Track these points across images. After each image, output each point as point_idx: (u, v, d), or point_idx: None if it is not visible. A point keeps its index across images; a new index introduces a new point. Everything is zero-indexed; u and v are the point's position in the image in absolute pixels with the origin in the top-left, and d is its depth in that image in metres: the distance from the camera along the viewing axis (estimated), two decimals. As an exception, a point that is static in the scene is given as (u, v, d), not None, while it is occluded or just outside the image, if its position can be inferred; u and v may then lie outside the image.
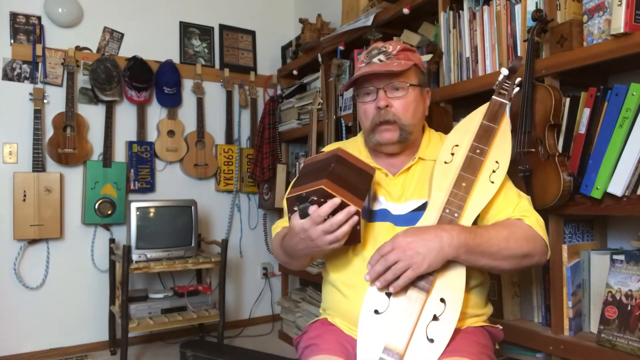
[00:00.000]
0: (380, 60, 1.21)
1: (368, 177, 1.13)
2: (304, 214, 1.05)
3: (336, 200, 1.02)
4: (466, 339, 1.10)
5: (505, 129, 1.20)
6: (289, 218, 1.11)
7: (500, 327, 1.25)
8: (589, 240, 1.62)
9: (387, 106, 1.19)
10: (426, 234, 1.03)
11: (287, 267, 1.29)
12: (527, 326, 1.61)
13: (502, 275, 1.66)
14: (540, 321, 1.63)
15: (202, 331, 3.03)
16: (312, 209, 1.04)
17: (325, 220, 1.03)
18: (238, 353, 2.39)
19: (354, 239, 1.10)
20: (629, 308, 1.36)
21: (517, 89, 1.25)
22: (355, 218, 1.04)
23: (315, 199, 1.03)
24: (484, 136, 1.17)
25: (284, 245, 1.20)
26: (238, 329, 3.19)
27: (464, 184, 1.12)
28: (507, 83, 1.25)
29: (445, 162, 1.17)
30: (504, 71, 1.27)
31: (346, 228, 1.04)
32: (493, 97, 1.23)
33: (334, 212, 1.03)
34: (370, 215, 1.21)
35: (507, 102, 1.22)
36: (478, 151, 1.16)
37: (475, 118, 1.22)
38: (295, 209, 1.07)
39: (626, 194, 1.33)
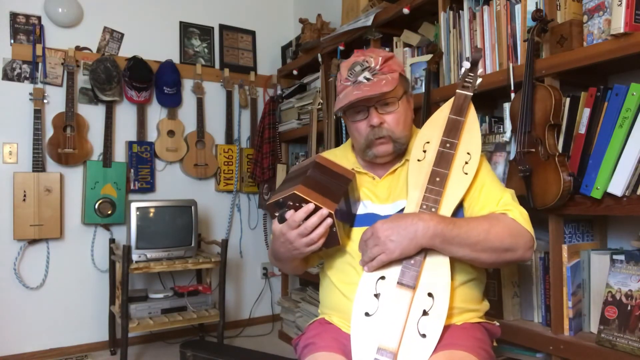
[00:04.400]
0: (367, 79, 1.20)
1: (345, 181, 1.16)
2: (282, 219, 1.10)
3: (310, 205, 1.06)
4: (463, 333, 1.11)
5: (472, 120, 1.22)
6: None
7: (497, 324, 1.26)
8: (589, 240, 1.62)
9: (381, 123, 1.21)
10: (403, 222, 1.07)
11: (283, 271, 1.32)
12: (527, 326, 1.62)
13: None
14: (540, 321, 1.63)
15: (202, 331, 3.03)
16: (289, 214, 1.09)
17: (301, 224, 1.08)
18: (238, 353, 2.39)
19: (332, 242, 1.13)
20: (629, 308, 1.36)
21: (479, 80, 1.26)
22: (329, 220, 1.08)
23: (292, 203, 1.08)
24: (453, 130, 1.20)
25: (272, 250, 1.25)
26: (238, 329, 3.19)
27: (437, 179, 1.15)
28: (470, 75, 1.26)
29: (418, 160, 1.20)
30: (466, 64, 1.29)
31: (320, 230, 1.08)
32: (457, 90, 1.25)
33: (310, 216, 1.07)
34: (355, 219, 1.23)
35: (471, 94, 1.23)
36: (448, 145, 1.18)
37: (442, 113, 1.24)
38: (276, 214, 1.11)
39: (626, 194, 1.33)
